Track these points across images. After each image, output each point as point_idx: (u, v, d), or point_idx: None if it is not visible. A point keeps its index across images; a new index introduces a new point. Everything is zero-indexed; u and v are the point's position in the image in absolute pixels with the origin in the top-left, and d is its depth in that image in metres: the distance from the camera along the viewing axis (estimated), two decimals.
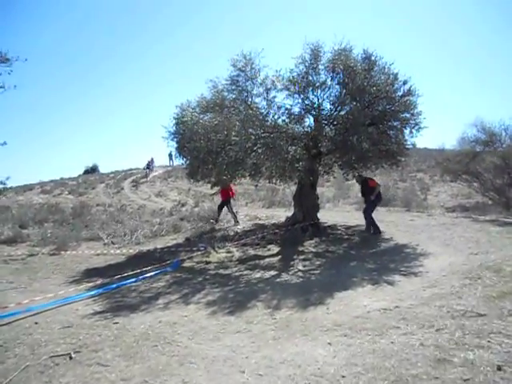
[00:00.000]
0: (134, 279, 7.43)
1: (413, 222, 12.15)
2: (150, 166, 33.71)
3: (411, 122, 10.14)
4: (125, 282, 7.23)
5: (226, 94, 10.05)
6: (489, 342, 3.74)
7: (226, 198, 13.50)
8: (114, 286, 7.05)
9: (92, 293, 6.69)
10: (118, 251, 10.39)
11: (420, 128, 10.25)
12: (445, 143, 29.74)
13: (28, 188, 29.44)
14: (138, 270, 7.82)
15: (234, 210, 13.75)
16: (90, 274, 8.31)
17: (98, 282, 7.41)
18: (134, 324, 5.09)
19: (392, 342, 3.96)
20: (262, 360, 3.83)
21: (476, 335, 3.91)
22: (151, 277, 7.70)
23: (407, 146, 10.68)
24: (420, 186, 20.67)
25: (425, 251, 8.35)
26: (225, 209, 13.57)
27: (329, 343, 4.10)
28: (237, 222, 13.20)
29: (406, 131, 10.41)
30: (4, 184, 7.14)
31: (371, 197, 10.35)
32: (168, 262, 8.60)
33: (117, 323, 5.14)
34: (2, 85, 6.32)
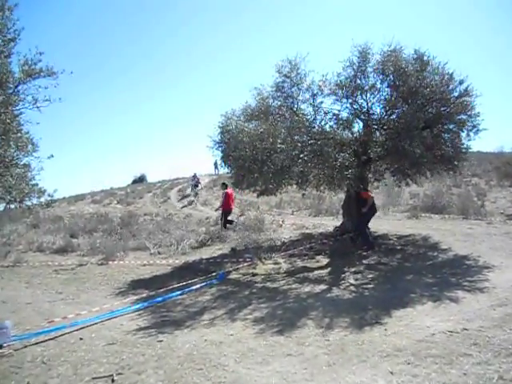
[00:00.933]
0: (179, 292, 7.28)
1: (471, 230, 11.35)
2: (196, 183, 27.96)
3: (468, 124, 9.48)
4: (170, 295, 7.08)
5: (271, 101, 9.80)
6: None
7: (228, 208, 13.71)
8: (160, 299, 6.92)
9: (137, 306, 6.58)
10: (164, 261, 10.32)
11: (478, 130, 9.57)
12: (504, 146, 28.25)
13: (80, 198, 30.44)
14: (184, 283, 7.69)
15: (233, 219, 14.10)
16: (136, 285, 8.24)
17: (144, 294, 7.31)
18: (178, 343, 4.88)
19: (465, 374, 3.50)
20: None
21: None
22: (197, 289, 7.52)
23: (464, 150, 9.98)
24: (476, 191, 19.46)
25: (488, 263, 7.69)
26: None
27: (390, 372, 3.69)
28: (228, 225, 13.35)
29: (463, 134, 9.73)
30: (52, 196, 7.16)
31: (363, 209, 9.69)
32: (214, 273, 8.41)
33: (161, 341, 4.95)
34: (48, 98, 6.31)
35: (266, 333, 5.06)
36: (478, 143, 30.38)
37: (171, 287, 7.45)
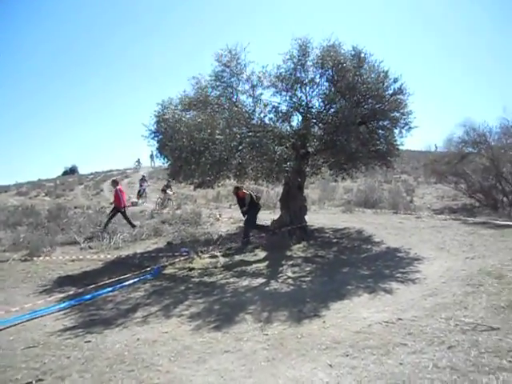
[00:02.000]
0: (110, 288, 6.86)
1: (402, 224, 11.82)
2: (142, 187, 23.79)
3: (401, 121, 9.81)
4: (100, 292, 6.65)
5: (209, 90, 9.50)
6: (510, 362, 3.33)
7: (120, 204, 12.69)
8: (89, 296, 6.48)
9: (63, 305, 6.10)
10: (95, 257, 9.73)
11: (410, 128, 9.95)
12: (430, 145, 29.83)
13: (3, 190, 28.35)
14: (116, 278, 7.24)
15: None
16: (63, 282, 7.65)
17: (71, 292, 6.77)
18: (108, 343, 4.54)
19: (401, 364, 3.52)
20: None
21: (494, 354, 3.51)
22: (129, 285, 7.13)
23: (397, 146, 10.32)
24: (405, 187, 20.41)
25: (419, 255, 8.01)
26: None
27: (330, 365, 3.64)
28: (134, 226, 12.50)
29: (396, 131, 10.07)
30: None
31: (243, 208, 10.11)
32: (148, 268, 8.03)
33: (89, 342, 4.58)
34: None
35: (202, 329, 4.85)
36: (408, 142, 31.91)
37: (102, 284, 7.00)
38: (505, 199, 13.63)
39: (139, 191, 22.83)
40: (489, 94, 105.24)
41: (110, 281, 7.15)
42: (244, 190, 10.23)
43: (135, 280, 7.39)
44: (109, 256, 9.74)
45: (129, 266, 8.39)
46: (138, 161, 28.97)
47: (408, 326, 4.37)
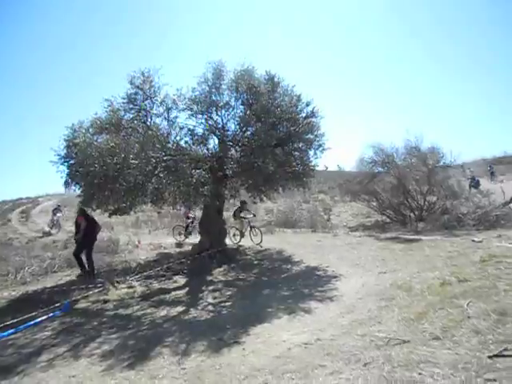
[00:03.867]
0: (12, 330, 6.18)
1: (320, 242, 12.15)
2: (56, 217, 21.37)
3: (315, 143, 10.19)
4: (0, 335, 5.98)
5: (122, 113, 9.20)
6: (420, 374, 3.43)
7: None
8: None
9: None
10: None
11: (324, 149, 10.38)
12: (344, 166, 31.32)
13: None
14: (20, 318, 6.56)
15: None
16: None
17: None
18: None
19: None
20: None
21: (405, 367, 3.59)
22: (35, 325, 6.49)
23: (312, 167, 10.67)
24: (322, 206, 21.16)
25: (336, 273, 8.23)
26: None
27: None
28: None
29: (311, 152, 10.43)
30: None
31: (76, 236, 9.73)
32: (58, 304, 7.40)
33: None
34: None
35: (114, 369, 4.48)
36: (324, 162, 33.25)
37: (2, 325, 6.30)
38: (412, 215, 14.57)
39: (52, 220, 21.17)
40: (397, 116, 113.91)
41: (13, 321, 6.46)
42: (83, 216, 9.69)
43: (42, 318, 6.76)
44: (13, 293, 8.89)
45: (36, 303, 7.65)
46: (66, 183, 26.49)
47: (326, 346, 4.38)
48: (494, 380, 3.13)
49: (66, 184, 23.18)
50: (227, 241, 11.75)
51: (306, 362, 4.04)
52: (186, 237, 14.27)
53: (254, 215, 14.06)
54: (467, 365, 3.43)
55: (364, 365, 3.77)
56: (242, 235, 12.85)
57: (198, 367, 4.30)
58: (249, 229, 12.74)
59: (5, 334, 6.07)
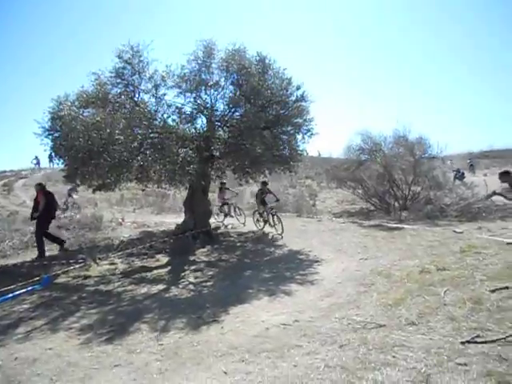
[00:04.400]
0: None
1: (304, 227, 12.20)
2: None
3: (303, 127, 10.15)
4: None
5: (109, 87, 9.01)
6: (394, 357, 3.49)
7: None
8: None
9: None
10: None
11: (312, 134, 10.34)
12: (332, 152, 31.41)
13: None
14: None
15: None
16: None
17: None
18: None
19: (295, 366, 3.52)
20: None
21: (380, 350, 3.65)
22: (13, 298, 6.42)
23: (299, 152, 10.65)
24: (308, 192, 21.20)
25: (318, 257, 8.27)
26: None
27: (224, 372, 3.54)
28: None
29: (299, 137, 10.39)
30: None
31: (34, 214, 9.36)
32: (37, 278, 7.33)
33: None
34: None
35: (92, 342, 4.48)
36: (311, 148, 33.33)
37: None
38: (396, 204, 14.69)
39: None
40: (386, 105, 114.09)
41: None
42: (42, 192, 9.43)
43: (21, 291, 6.68)
44: None
45: (15, 276, 7.58)
46: (37, 159, 25.25)
47: (304, 328, 4.43)
48: (465, 364, 3.20)
49: (50, 158, 22.43)
50: (212, 221, 11.65)
51: (283, 342, 4.08)
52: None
53: (278, 200, 11.81)
54: (440, 350, 3.50)
55: (340, 346, 3.83)
56: (266, 221, 11.45)
57: (176, 343, 4.33)
58: (271, 217, 11.15)
59: None
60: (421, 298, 4.95)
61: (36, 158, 24.61)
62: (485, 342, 3.54)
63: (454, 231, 9.60)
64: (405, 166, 14.67)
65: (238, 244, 10.11)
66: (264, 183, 11.61)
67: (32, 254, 9.67)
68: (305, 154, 11.33)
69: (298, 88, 9.82)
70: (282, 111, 9.64)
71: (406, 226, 11.16)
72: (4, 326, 5.26)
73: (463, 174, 20.92)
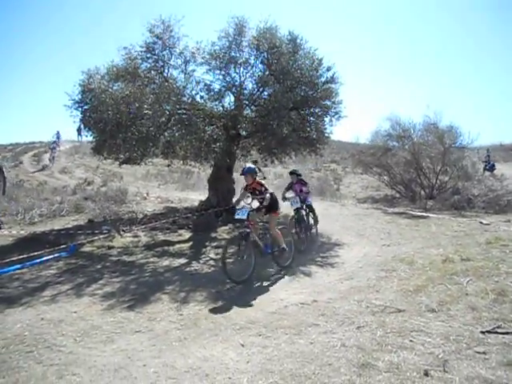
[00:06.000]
0: (18, 266, 6.36)
1: (327, 211, 12.12)
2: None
3: (332, 110, 9.98)
4: (6, 270, 6.14)
5: (140, 62, 9.03)
6: (411, 341, 3.49)
7: None
8: None
9: None
10: (6, 232, 9.05)
11: (340, 117, 10.15)
12: (359, 137, 30.90)
13: None
14: (25, 256, 6.73)
15: None
16: None
17: None
18: (8, 322, 4.21)
19: (311, 343, 3.57)
20: (162, 368, 3.22)
21: (398, 334, 3.65)
22: (41, 263, 6.67)
23: (326, 135, 10.51)
24: (333, 176, 21.05)
25: (340, 241, 8.26)
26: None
27: (242, 345, 3.61)
28: None
29: (326, 119, 10.23)
30: None
31: None
32: (63, 245, 7.56)
33: None
34: None
35: (114, 309, 4.64)
36: (338, 132, 32.90)
37: (9, 260, 6.47)
38: (422, 192, 14.46)
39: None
40: (416, 90, 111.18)
41: (20, 258, 6.63)
42: None
43: (48, 257, 6.93)
44: (22, 232, 9.12)
45: (43, 243, 7.86)
46: (58, 134, 25.67)
47: (322, 308, 4.46)
48: (484, 353, 3.17)
49: (79, 130, 23.01)
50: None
51: (300, 319, 4.12)
52: None
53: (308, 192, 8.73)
54: (459, 337, 3.48)
55: (357, 328, 3.84)
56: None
57: (195, 315, 4.42)
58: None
59: (11, 268, 6.24)
60: (442, 286, 4.90)
61: (57, 133, 25.06)
62: (506, 333, 3.50)
63: (481, 222, 9.42)
64: (433, 154, 14.37)
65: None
66: (294, 173, 8.67)
67: (60, 223, 9.97)
68: (331, 137, 11.18)
69: (329, 69, 9.64)
70: (310, 92, 9.48)
71: (431, 215, 11.00)
72: (32, 288, 5.48)
73: (493, 165, 20.30)
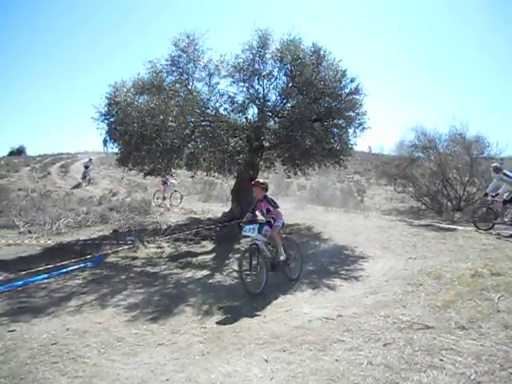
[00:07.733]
0: (45, 275, 6.50)
1: (350, 222, 11.99)
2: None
3: (356, 121, 9.93)
4: (34, 279, 6.29)
5: (165, 75, 9.22)
6: (441, 360, 3.37)
7: None
8: (20, 283, 6.12)
9: None
10: (34, 241, 9.26)
11: (364, 128, 10.11)
12: (383, 148, 30.56)
13: None
14: (53, 265, 6.86)
15: None
16: None
17: (0, 277, 6.36)
18: (34, 332, 4.27)
19: (337, 360, 3.49)
20: (185, 383, 3.18)
21: (427, 352, 3.53)
22: (67, 273, 6.79)
23: (350, 146, 10.43)
24: (357, 187, 20.83)
25: (364, 254, 8.11)
26: None
27: (265, 360, 3.56)
28: None
29: (350, 130, 10.17)
30: None
31: None
32: (89, 256, 7.67)
33: (12, 331, 4.29)
34: None
35: (138, 320, 4.66)
36: (361, 143, 32.60)
37: (36, 270, 6.61)
38: (449, 204, 14.13)
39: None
40: (441, 101, 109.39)
41: (47, 267, 6.77)
42: None
43: (74, 267, 7.05)
44: (49, 242, 9.32)
45: (69, 253, 8.02)
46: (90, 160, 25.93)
47: (347, 323, 4.36)
48: None
49: (105, 142, 23.60)
50: None
51: (325, 335, 4.04)
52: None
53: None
54: (492, 357, 3.35)
55: (384, 345, 3.74)
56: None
57: (219, 328, 4.40)
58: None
59: (38, 278, 6.37)
60: (472, 302, 4.74)
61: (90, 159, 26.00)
62: None
63: (511, 236, 9.13)
64: (460, 165, 14.05)
65: (283, 236, 10.06)
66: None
67: (85, 233, 10.13)
68: (355, 148, 11.09)
69: (352, 80, 9.62)
70: (334, 103, 9.48)
71: (458, 228, 10.73)
72: (57, 298, 5.57)
73: None
